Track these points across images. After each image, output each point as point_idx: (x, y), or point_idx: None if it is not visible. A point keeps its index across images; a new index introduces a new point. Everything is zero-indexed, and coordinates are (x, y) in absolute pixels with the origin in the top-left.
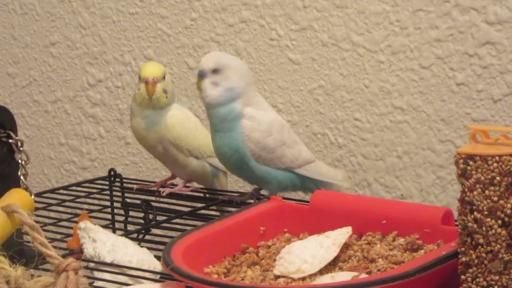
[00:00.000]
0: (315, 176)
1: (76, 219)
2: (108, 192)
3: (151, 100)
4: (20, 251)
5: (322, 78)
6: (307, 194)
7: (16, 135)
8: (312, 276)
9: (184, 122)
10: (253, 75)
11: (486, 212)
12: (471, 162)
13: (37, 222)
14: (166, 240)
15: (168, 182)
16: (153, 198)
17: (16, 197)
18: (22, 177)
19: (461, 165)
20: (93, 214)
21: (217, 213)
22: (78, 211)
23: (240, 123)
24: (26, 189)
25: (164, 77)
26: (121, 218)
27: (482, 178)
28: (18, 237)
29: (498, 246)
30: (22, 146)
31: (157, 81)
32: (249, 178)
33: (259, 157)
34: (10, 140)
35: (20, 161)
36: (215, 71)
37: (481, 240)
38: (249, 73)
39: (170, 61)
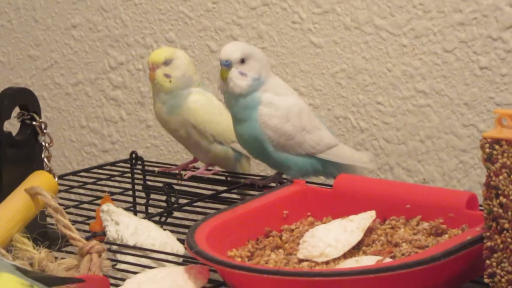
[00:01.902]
0: (338, 160)
1: (97, 201)
2: (129, 174)
3: (155, 85)
4: (43, 233)
5: (345, 61)
6: (329, 179)
7: (40, 117)
8: (336, 260)
9: (207, 107)
10: (275, 58)
11: (511, 197)
12: (497, 147)
13: (60, 204)
14: (187, 223)
15: (190, 165)
16: (174, 181)
17: (40, 179)
18: (45, 160)
19: (487, 150)
20: (115, 196)
21: (239, 197)
22: (100, 194)
23: (257, 110)
24: (50, 171)
25: (167, 62)
26: (142, 201)
27: (508, 162)
28: (42, 219)
29: None
30: (46, 128)
31: (156, 67)
32: (271, 164)
33: (278, 143)
34: (34, 122)
35: (43, 143)
36: (242, 61)
37: (506, 225)
38: (267, 60)
39: (192, 44)
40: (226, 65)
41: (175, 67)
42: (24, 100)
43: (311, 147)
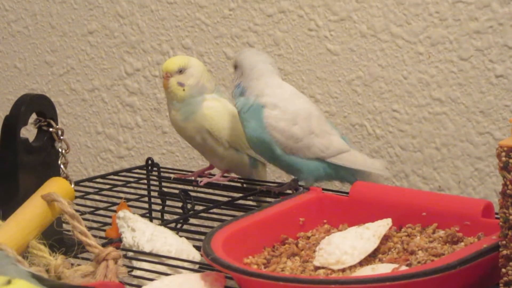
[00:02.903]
0: (350, 165)
1: (113, 208)
2: (145, 181)
3: (168, 93)
4: (59, 239)
5: (361, 69)
6: (344, 184)
7: (57, 124)
8: (352, 267)
9: (222, 113)
10: (291, 66)
11: None
12: None
13: (76, 210)
14: (203, 229)
15: (206, 172)
16: (190, 188)
17: (56, 186)
18: (62, 166)
19: (503, 158)
20: (130, 203)
21: (255, 204)
22: (115, 200)
23: (262, 113)
24: (66, 177)
25: (182, 71)
26: (158, 208)
27: None
28: (58, 225)
29: None
30: (62, 134)
31: (170, 76)
32: (282, 167)
33: (286, 146)
34: (51, 129)
35: (60, 149)
36: (235, 67)
37: None
38: (256, 66)
39: (208, 50)
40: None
41: (189, 75)
42: (41, 107)
43: (320, 150)
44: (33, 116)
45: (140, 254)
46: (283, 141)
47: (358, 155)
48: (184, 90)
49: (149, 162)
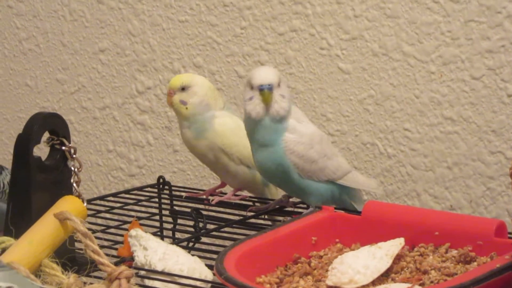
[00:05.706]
0: (354, 185)
1: (124, 226)
2: (156, 199)
3: (174, 110)
4: (72, 258)
5: (372, 88)
6: (338, 206)
7: (69, 142)
8: (365, 287)
9: (235, 130)
10: (303, 84)
11: None
12: None
13: (88, 229)
14: (214, 248)
15: (217, 191)
16: (201, 206)
17: (69, 204)
18: (74, 184)
19: None
20: (141, 221)
21: (267, 222)
22: (127, 219)
23: (282, 136)
24: (79, 196)
25: (185, 88)
26: (169, 226)
27: None
28: (71, 244)
29: None
30: (75, 153)
31: (173, 93)
32: (293, 191)
33: (302, 170)
34: (63, 148)
35: (72, 168)
36: (279, 84)
37: None
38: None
39: (220, 69)
40: (269, 89)
41: (192, 93)
42: (54, 125)
43: (332, 172)
44: (46, 135)
45: (152, 273)
46: (301, 164)
47: (358, 175)
48: (187, 108)
49: (161, 180)
